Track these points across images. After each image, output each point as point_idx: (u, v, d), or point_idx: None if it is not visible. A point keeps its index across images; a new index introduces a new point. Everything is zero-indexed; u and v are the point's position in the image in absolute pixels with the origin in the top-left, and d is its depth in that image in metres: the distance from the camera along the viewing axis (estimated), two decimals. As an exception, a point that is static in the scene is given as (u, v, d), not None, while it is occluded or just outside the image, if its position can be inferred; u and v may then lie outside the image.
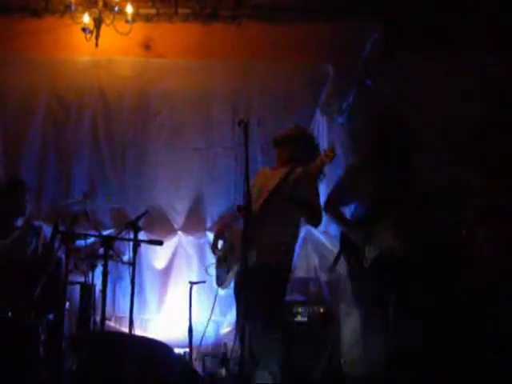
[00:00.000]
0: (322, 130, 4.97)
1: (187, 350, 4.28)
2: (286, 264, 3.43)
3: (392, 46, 4.91)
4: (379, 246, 3.26)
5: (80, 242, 4.06)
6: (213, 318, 4.29)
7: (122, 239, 3.84)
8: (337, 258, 3.57)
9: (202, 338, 3.88)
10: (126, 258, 4.48)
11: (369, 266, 3.31)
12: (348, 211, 3.61)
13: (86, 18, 4.81)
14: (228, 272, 3.43)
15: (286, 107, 4.87)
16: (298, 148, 3.52)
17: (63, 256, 3.84)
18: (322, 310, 4.40)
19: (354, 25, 4.99)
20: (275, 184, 3.32)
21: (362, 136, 4.56)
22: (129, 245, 4.52)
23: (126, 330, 4.38)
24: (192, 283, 4.36)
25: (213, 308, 3.73)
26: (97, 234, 4.11)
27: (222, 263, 3.54)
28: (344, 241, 3.53)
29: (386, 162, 3.37)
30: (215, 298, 3.59)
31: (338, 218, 3.53)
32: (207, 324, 3.78)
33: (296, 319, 4.31)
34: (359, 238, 3.33)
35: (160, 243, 3.68)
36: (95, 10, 4.83)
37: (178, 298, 4.75)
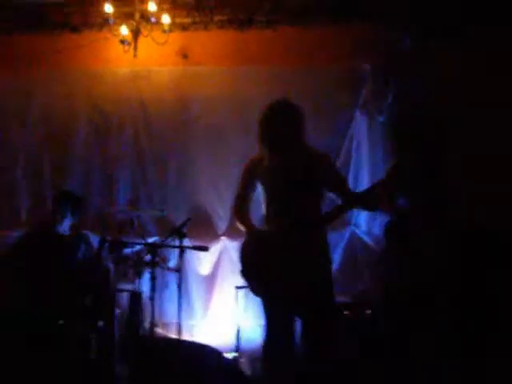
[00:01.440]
0: (363, 131, 4.93)
1: (236, 354, 4.30)
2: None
3: (426, 45, 4.85)
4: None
5: (127, 250, 4.13)
6: (260, 322, 4.36)
7: (169, 246, 3.88)
8: (381, 256, 3.53)
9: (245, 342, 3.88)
10: (171, 264, 4.56)
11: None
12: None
13: (124, 31, 4.91)
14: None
15: (326, 110, 4.84)
16: None
17: (111, 264, 3.93)
18: (368, 312, 4.34)
19: (389, 25, 4.93)
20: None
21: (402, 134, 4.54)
22: (174, 252, 4.63)
23: (173, 335, 4.46)
24: (238, 288, 4.37)
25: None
26: (142, 241, 4.16)
27: None
28: (390, 240, 3.50)
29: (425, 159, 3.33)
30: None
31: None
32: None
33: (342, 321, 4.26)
34: None
35: (206, 249, 3.72)
36: (132, 22, 4.92)
37: (223, 304, 4.77)
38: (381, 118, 4.87)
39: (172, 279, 4.66)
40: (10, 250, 4.37)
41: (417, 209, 3.59)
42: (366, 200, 3.06)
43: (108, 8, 4.81)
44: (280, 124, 3.13)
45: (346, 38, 5.01)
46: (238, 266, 4.74)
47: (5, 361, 3.26)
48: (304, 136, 3.20)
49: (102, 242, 3.79)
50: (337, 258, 4.72)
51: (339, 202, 3.13)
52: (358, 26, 5.01)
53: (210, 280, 4.91)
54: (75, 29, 5.32)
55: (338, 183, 3.19)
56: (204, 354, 2.77)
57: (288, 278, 2.93)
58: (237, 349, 4.30)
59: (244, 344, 4.34)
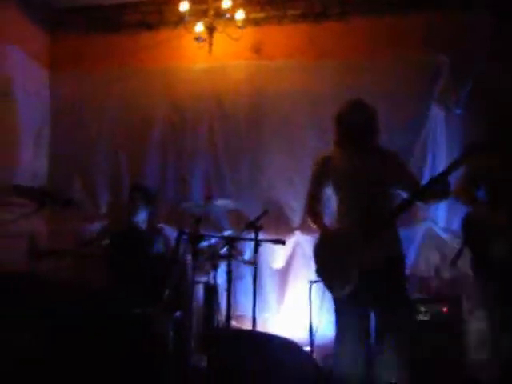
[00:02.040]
0: (440, 123, 4.79)
1: (308, 349, 4.29)
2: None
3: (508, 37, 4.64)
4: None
5: (203, 243, 4.21)
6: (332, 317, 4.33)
7: (247, 239, 3.93)
8: (459, 252, 3.43)
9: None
10: (245, 257, 4.61)
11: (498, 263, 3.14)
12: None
13: (199, 27, 4.99)
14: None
15: (401, 103, 4.75)
16: None
17: (188, 257, 4.01)
18: (445, 309, 4.23)
19: (465, 12, 4.79)
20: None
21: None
22: (247, 245, 4.68)
23: (247, 328, 4.50)
24: (312, 282, 4.35)
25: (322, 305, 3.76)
26: (219, 235, 4.23)
27: None
28: (468, 234, 3.39)
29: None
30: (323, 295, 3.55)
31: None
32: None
33: (418, 318, 4.17)
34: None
35: (283, 242, 3.74)
36: (207, 19, 5.00)
37: (296, 298, 4.76)
38: (458, 110, 4.71)
39: (245, 272, 4.73)
40: (90, 241, 4.56)
41: (499, 203, 3.44)
42: (433, 191, 3.04)
43: (183, 6, 4.91)
44: (356, 123, 3.18)
45: (421, 28, 4.88)
46: (311, 261, 4.80)
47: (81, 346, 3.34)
48: (377, 136, 3.20)
49: (180, 234, 3.88)
50: (412, 253, 4.64)
51: None
52: (432, 15, 4.88)
53: (284, 274, 4.92)
54: (151, 27, 5.46)
55: (411, 182, 3.21)
56: (285, 347, 2.78)
57: (364, 274, 2.92)
58: (310, 344, 4.29)
59: (316, 339, 4.32)
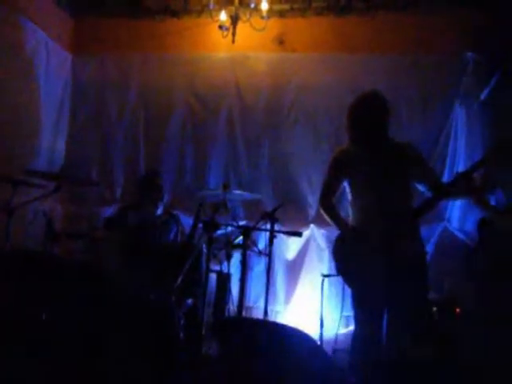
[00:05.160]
0: (462, 121, 4.75)
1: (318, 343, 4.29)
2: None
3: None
4: None
5: (218, 232, 4.21)
6: (344, 312, 4.33)
7: (262, 230, 3.91)
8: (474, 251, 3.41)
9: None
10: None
11: None
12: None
13: (223, 16, 4.98)
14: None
15: (424, 100, 4.73)
16: None
17: (203, 245, 4.01)
18: (458, 310, 4.21)
19: (492, 10, 4.71)
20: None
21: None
22: (262, 235, 4.67)
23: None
24: (324, 276, 4.35)
25: (342, 302, 3.78)
26: (235, 224, 4.23)
27: None
28: (484, 239, 3.37)
29: None
30: (343, 291, 3.57)
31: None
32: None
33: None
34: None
35: (299, 235, 3.72)
36: (232, 8, 4.99)
37: (308, 291, 4.78)
38: (483, 95, 4.64)
39: (257, 263, 4.74)
40: (104, 224, 4.57)
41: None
42: (457, 188, 3.00)
43: (208, -6, 4.90)
44: (371, 115, 3.11)
45: (449, 27, 4.84)
46: (324, 254, 4.80)
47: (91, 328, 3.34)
48: (388, 128, 3.16)
49: (196, 221, 3.88)
50: (428, 252, 4.62)
51: (427, 194, 3.08)
52: (460, 13, 4.84)
53: (296, 266, 4.92)
54: (175, 14, 5.47)
55: (429, 174, 3.16)
56: (294, 336, 2.77)
57: (387, 272, 2.90)
58: (320, 338, 4.29)
59: (325, 333, 4.33)
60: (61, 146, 5.47)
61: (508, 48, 4.49)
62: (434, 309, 4.12)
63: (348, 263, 3.05)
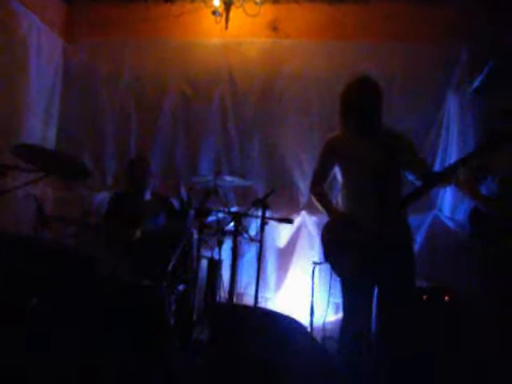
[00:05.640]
0: (454, 111, 4.76)
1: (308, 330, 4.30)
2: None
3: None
4: None
5: (209, 218, 4.20)
6: (333, 299, 4.34)
7: (254, 216, 3.91)
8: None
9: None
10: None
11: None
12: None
13: (217, 1, 4.94)
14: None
15: (417, 89, 4.73)
16: None
17: (194, 231, 4.01)
18: (447, 298, 4.24)
19: (488, 4, 4.72)
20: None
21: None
22: (253, 222, 4.68)
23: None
24: (315, 264, 4.35)
25: (330, 288, 3.81)
26: (227, 210, 4.22)
27: None
28: (476, 228, 3.38)
29: None
30: (330, 278, 3.60)
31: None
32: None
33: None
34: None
35: (290, 221, 3.72)
36: (225, -7, 4.95)
37: (298, 278, 4.79)
38: (476, 83, 4.63)
39: (248, 249, 4.75)
40: (94, 211, 4.55)
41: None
42: (447, 177, 3.00)
43: (201, -22, 4.86)
44: (363, 101, 3.07)
45: (443, 17, 4.84)
46: (315, 241, 4.81)
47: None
48: (381, 115, 3.13)
49: (187, 207, 3.87)
50: (418, 241, 4.64)
51: (416, 184, 3.08)
52: (455, 5, 4.82)
53: (286, 253, 4.93)
54: (169, -1, 5.41)
55: (419, 163, 3.15)
56: (285, 322, 2.79)
57: (375, 257, 2.91)
58: (310, 324, 4.31)
59: (316, 320, 4.34)
60: (51, 131, 5.41)
61: (501, 38, 4.50)
62: (425, 297, 4.16)
63: (335, 250, 3.05)
